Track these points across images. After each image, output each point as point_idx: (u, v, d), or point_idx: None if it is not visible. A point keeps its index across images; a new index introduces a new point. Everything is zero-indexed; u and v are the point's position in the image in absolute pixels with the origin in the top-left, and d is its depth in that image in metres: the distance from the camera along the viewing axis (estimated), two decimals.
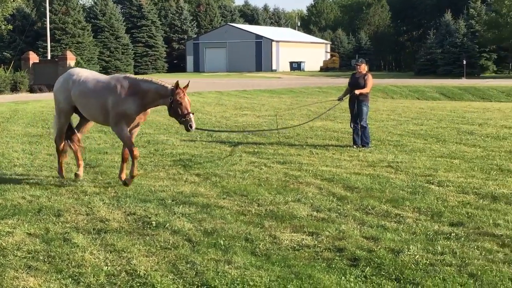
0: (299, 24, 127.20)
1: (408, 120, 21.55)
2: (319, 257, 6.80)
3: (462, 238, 7.44)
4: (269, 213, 8.63)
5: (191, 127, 9.85)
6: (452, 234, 7.58)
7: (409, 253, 6.86)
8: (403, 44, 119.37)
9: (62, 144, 11.16)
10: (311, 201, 9.32)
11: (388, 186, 10.36)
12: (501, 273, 6.25)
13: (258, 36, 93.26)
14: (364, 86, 14.95)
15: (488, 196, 9.67)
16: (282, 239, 7.43)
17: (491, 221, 8.14)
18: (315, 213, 8.65)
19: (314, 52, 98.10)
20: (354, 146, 14.92)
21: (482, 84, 48.26)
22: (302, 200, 9.35)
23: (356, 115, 15.03)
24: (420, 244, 7.17)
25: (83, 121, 11.35)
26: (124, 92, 10.07)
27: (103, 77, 10.82)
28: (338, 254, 6.90)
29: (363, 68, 15.32)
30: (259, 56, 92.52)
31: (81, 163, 11.22)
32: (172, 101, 9.84)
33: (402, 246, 7.08)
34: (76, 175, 10.99)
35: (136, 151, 10.29)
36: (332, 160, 13.07)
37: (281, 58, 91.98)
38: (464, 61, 66.35)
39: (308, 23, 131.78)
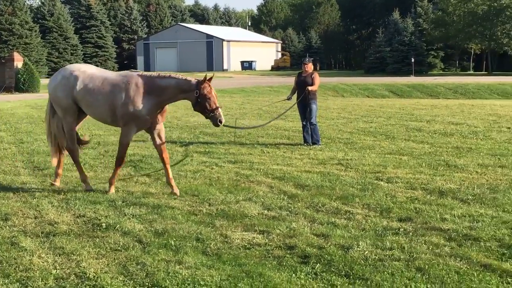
0: (249, 24, 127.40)
1: (358, 118, 21.78)
2: (270, 255, 6.83)
3: (410, 233, 7.55)
4: (220, 212, 8.63)
5: (220, 122, 9.52)
6: (400, 230, 7.70)
7: (358, 249, 6.94)
8: (352, 43, 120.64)
9: (74, 147, 10.35)
10: (262, 199, 9.34)
11: (338, 184, 10.46)
12: (448, 266, 6.38)
13: (209, 36, 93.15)
14: (312, 85, 15.08)
15: (436, 191, 9.85)
16: (233, 238, 7.44)
17: (438, 216, 8.29)
18: (266, 211, 8.68)
19: (265, 51, 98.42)
20: (305, 144, 15.02)
21: (430, 81, 49.13)
22: (253, 199, 9.37)
23: (306, 113, 15.15)
24: (369, 240, 7.26)
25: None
26: (138, 90, 9.51)
27: (111, 73, 10.16)
28: (288, 251, 6.94)
29: (310, 67, 15.46)
30: (210, 56, 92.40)
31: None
32: (199, 96, 9.40)
33: (352, 243, 7.16)
34: (53, 184, 10.45)
35: (123, 163, 10.16)
36: (283, 159, 13.13)
37: (232, 58, 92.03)
38: (412, 59, 67.49)
39: (258, 22, 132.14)
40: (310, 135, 15.13)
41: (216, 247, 7.12)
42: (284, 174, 11.30)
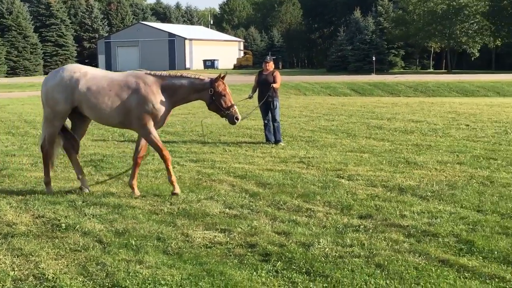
0: (212, 22, 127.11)
1: (320, 116, 21.90)
2: (231, 253, 6.84)
3: (370, 230, 7.62)
4: (181, 211, 8.60)
5: (237, 119, 9.47)
6: (360, 227, 7.76)
7: (319, 246, 6.97)
8: (314, 42, 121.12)
9: (51, 151, 9.82)
10: (223, 198, 9.34)
11: (300, 181, 10.50)
12: (407, 262, 6.45)
13: (171, 35, 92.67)
14: (274, 83, 15.13)
15: (396, 188, 9.95)
16: (194, 237, 7.42)
17: (398, 213, 8.39)
18: (227, 210, 8.68)
19: (228, 50, 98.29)
20: (267, 143, 15.06)
21: (391, 79, 49.61)
22: (215, 198, 9.36)
23: (268, 112, 15.20)
24: (330, 237, 7.31)
25: (79, 126, 10.07)
26: (149, 89, 9.26)
27: (116, 74, 9.81)
28: (250, 250, 6.95)
29: (271, 66, 15.51)
30: (172, 55, 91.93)
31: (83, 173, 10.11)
32: (213, 94, 9.32)
33: (313, 240, 7.19)
34: (82, 188, 9.87)
35: (168, 154, 9.63)
36: (245, 157, 13.15)
37: (195, 56, 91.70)
38: (373, 57, 68.00)
39: (221, 21, 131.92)
40: (273, 133, 15.18)
41: (177, 246, 7.09)
42: (246, 173, 11.30)
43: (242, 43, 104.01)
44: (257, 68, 79.84)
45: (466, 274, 6.12)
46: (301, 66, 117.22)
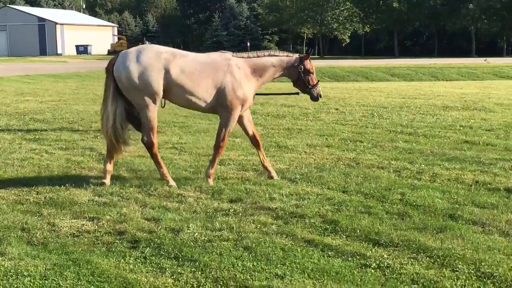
0: (84, 7, 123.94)
1: None
2: (99, 241, 6.74)
3: (240, 214, 7.72)
4: (48, 200, 8.36)
5: (320, 96, 9.63)
6: (230, 210, 7.84)
7: (188, 231, 7.00)
8: (190, 27, 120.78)
9: (155, 140, 9.37)
10: (93, 186, 9.15)
11: (172, 167, 10.46)
12: (274, 243, 6.59)
13: (41, 19, 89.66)
14: None
15: (266, 172, 10.10)
16: (61, 226, 7.24)
17: (267, 196, 8.54)
18: (96, 198, 8.53)
19: (101, 35, 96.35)
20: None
21: None
22: (84, 186, 9.15)
23: None
24: (199, 222, 7.34)
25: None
26: (241, 72, 9.10)
27: (203, 55, 9.42)
28: (118, 237, 6.88)
29: None
30: (42, 40, 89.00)
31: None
32: (303, 71, 9.36)
33: (182, 225, 7.21)
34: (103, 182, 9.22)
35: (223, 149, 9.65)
36: None
37: (67, 42, 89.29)
38: (248, 43, 68.81)
39: (93, 5, 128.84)
40: None
41: (43, 236, 6.90)
42: (117, 160, 11.11)
43: (116, 28, 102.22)
44: None
45: (329, 253, 6.33)
46: None
